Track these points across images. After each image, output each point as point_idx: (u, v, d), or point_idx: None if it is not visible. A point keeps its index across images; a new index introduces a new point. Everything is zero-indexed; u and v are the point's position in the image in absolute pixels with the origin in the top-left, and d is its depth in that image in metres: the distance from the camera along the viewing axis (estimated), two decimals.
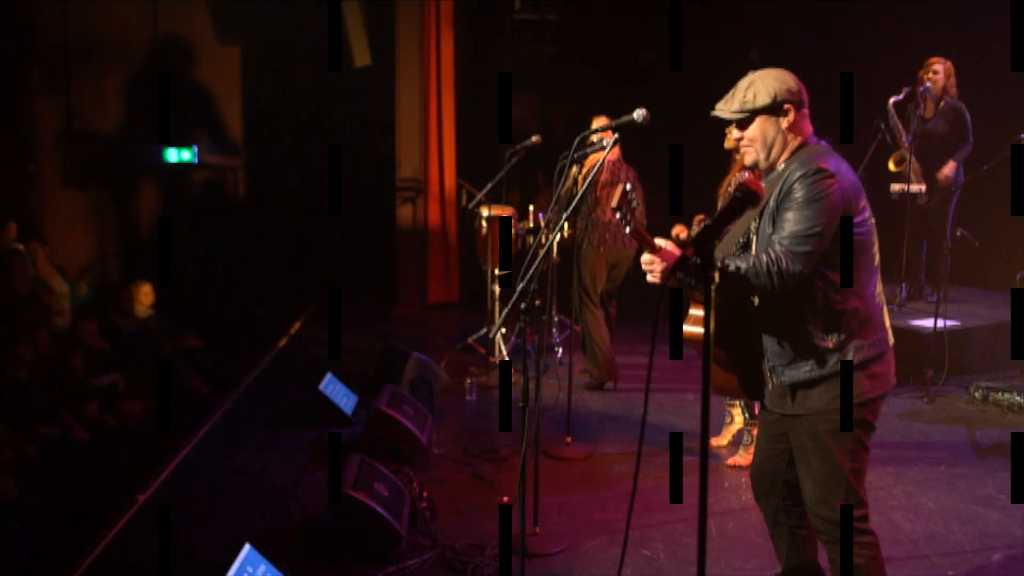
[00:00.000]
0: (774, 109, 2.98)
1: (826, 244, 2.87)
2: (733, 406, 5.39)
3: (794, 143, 3.02)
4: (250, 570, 3.50)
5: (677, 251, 2.94)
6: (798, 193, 2.87)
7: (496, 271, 7.14)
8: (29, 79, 9.77)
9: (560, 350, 7.38)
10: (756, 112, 2.99)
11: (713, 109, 3.09)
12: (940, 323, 6.57)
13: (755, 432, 5.15)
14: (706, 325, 2.40)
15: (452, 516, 4.54)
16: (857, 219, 2.94)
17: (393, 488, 4.31)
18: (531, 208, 7.37)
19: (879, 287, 3.07)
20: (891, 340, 3.11)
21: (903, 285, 7.48)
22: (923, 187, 7.30)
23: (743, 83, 3.03)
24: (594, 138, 4.82)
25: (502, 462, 5.27)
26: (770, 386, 3.11)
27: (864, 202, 2.99)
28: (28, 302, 7.64)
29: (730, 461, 5.26)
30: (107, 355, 7.55)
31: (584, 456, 5.39)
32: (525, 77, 10.21)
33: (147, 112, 10.09)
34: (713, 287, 2.41)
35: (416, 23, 9.52)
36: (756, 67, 3.11)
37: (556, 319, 7.59)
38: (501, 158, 6.65)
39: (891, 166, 7.45)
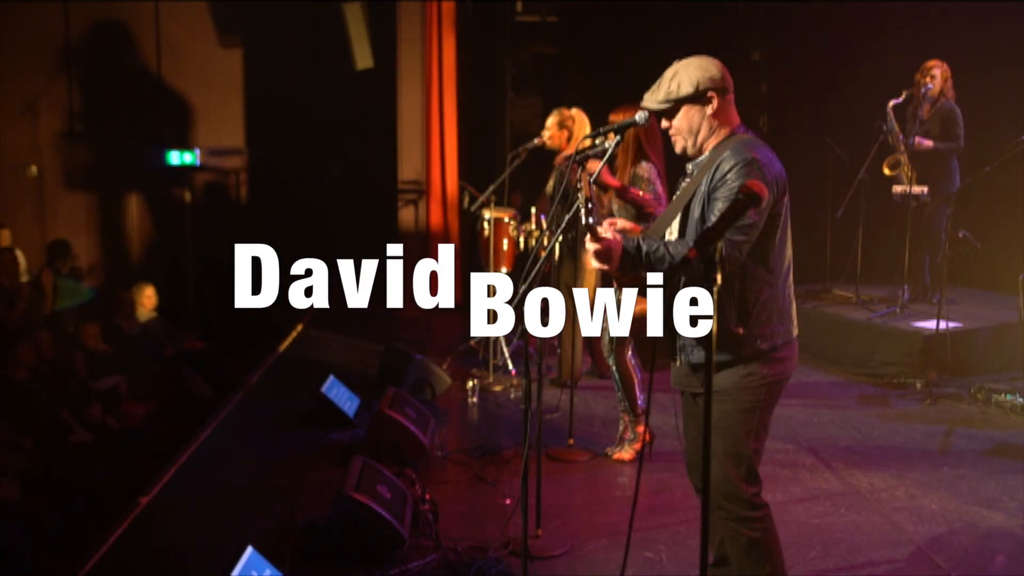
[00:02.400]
0: (697, 97, 3.03)
1: (758, 234, 2.91)
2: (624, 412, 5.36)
3: (721, 130, 3.07)
4: (253, 573, 3.50)
5: (620, 236, 2.97)
6: (732, 183, 2.90)
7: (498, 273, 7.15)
8: (31, 81, 9.78)
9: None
10: (680, 101, 3.05)
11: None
12: (942, 324, 6.57)
13: (640, 428, 5.21)
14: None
15: (454, 518, 4.53)
16: (779, 211, 2.99)
17: (395, 490, 4.31)
18: (533, 210, 7.37)
19: (790, 280, 3.13)
20: (795, 331, 3.17)
21: (905, 287, 7.48)
22: (925, 189, 7.31)
23: (668, 73, 3.08)
24: (596, 140, 4.82)
25: (504, 464, 5.27)
26: (678, 363, 3.17)
27: (786, 195, 3.03)
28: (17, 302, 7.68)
29: (617, 455, 5.32)
30: (110, 357, 7.57)
31: (586, 458, 5.39)
32: (527, 79, 10.22)
33: (149, 114, 10.12)
34: (715, 288, 2.43)
35: (418, 25, 9.53)
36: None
37: None
38: (503, 160, 6.65)
39: (885, 170, 7.45)
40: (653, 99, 3.10)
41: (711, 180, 2.97)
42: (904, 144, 7.32)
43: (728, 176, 2.91)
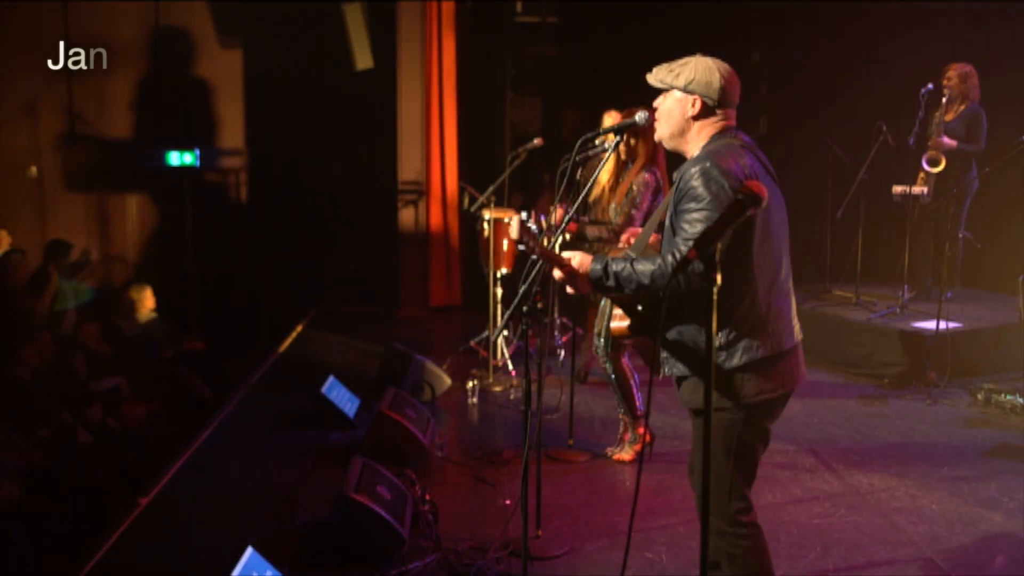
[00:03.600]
0: (685, 92, 3.04)
1: (727, 241, 2.80)
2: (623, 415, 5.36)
3: (700, 136, 3.06)
4: (253, 573, 3.50)
5: (588, 259, 2.98)
6: (694, 192, 2.88)
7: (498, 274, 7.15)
8: (31, 81, 9.78)
9: (562, 352, 7.38)
10: (671, 87, 3.07)
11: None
12: (942, 325, 6.57)
13: (640, 430, 5.21)
14: (708, 325, 2.41)
15: (454, 519, 4.54)
16: (752, 219, 2.87)
17: (395, 491, 4.31)
18: (532, 211, 7.38)
19: (780, 286, 3.02)
20: (795, 338, 3.06)
21: (905, 287, 7.48)
22: (925, 189, 7.30)
23: (681, 60, 3.10)
24: (596, 140, 4.83)
25: (504, 465, 5.27)
26: (660, 376, 3.13)
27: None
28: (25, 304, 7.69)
29: (617, 456, 5.32)
30: (110, 358, 7.57)
31: (586, 458, 5.39)
32: (527, 79, 10.22)
33: (149, 115, 10.12)
34: (715, 289, 2.43)
35: (418, 25, 9.53)
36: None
37: (558, 321, 7.59)
38: (503, 160, 6.66)
39: (924, 166, 7.32)
40: (655, 76, 3.12)
41: (677, 190, 2.96)
42: (932, 141, 7.24)
43: (691, 185, 2.89)
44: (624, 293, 2.96)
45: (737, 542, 3.09)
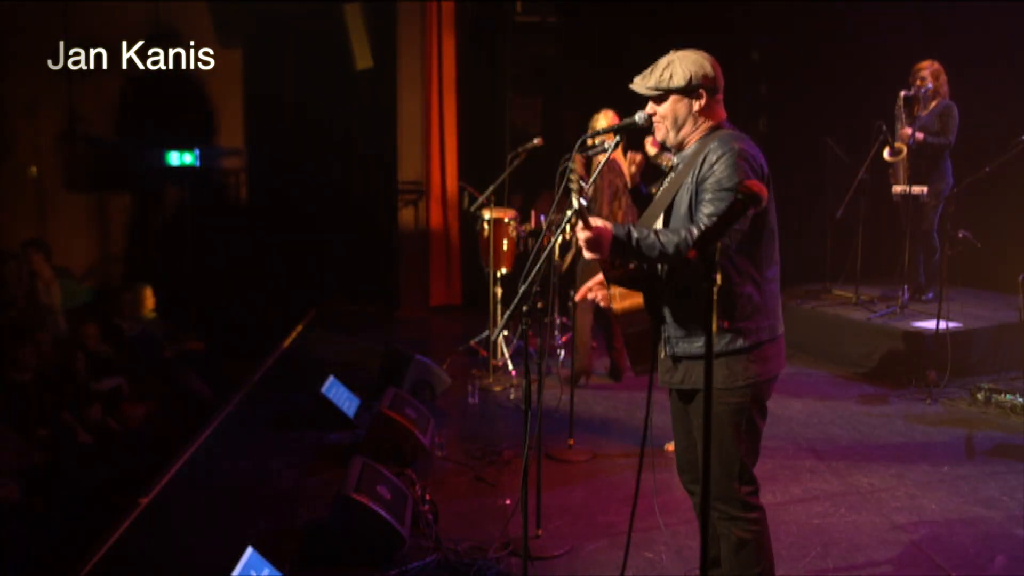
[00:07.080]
0: (688, 91, 3.07)
1: (746, 224, 2.91)
2: None
3: (704, 125, 3.11)
4: (253, 573, 3.51)
5: (610, 224, 2.97)
6: (719, 173, 2.94)
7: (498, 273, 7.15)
8: (31, 81, 9.77)
9: (562, 352, 7.38)
10: (670, 91, 3.08)
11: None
12: (942, 325, 6.57)
13: None
14: (708, 325, 2.41)
15: (454, 518, 4.54)
16: (765, 205, 2.99)
17: (395, 491, 4.31)
18: (532, 211, 7.39)
19: (778, 276, 3.15)
20: (782, 329, 3.17)
21: (905, 287, 7.48)
22: (924, 189, 7.31)
23: (662, 61, 3.12)
24: (596, 140, 4.82)
25: (504, 464, 5.27)
26: (662, 355, 3.16)
27: (769, 190, 3.04)
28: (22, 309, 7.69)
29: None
30: (110, 358, 7.56)
31: (586, 458, 5.39)
32: (527, 79, 10.21)
33: (149, 115, 10.11)
34: (716, 288, 2.43)
35: (418, 25, 9.54)
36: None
37: (558, 321, 7.59)
38: (503, 160, 6.65)
39: (885, 155, 7.40)
40: (643, 84, 3.12)
41: (698, 171, 3.00)
42: (903, 137, 7.29)
43: (716, 167, 2.95)
44: (644, 260, 2.96)
45: (749, 527, 3.12)
